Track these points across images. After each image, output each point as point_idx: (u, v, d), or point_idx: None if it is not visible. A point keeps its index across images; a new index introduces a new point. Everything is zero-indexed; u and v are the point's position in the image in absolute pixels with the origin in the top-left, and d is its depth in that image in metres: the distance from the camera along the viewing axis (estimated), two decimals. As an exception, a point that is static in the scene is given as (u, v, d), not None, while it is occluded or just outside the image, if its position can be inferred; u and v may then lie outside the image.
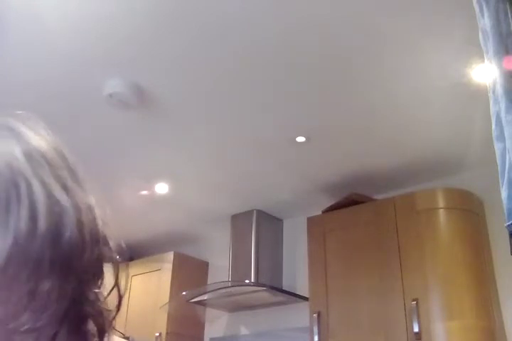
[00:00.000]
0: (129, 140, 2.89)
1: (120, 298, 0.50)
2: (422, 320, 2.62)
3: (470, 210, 2.91)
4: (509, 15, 1.13)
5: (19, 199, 0.44)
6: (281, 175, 3.23)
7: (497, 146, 1.12)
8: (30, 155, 0.48)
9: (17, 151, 0.48)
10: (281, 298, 3.39)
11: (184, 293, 3.49)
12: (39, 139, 0.51)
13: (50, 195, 0.46)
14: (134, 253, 3.94)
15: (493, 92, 1.14)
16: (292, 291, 3.40)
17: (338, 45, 2.20)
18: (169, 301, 3.64)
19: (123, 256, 0.53)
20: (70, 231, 0.45)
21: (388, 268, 2.84)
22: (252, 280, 3.39)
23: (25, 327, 0.39)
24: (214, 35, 2.15)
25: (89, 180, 0.53)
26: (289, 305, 3.44)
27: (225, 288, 3.33)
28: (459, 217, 2.87)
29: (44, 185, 0.46)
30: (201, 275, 3.98)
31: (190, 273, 3.93)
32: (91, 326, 0.46)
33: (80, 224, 0.46)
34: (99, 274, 0.49)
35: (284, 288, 3.50)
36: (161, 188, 3.39)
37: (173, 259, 3.86)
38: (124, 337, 3.38)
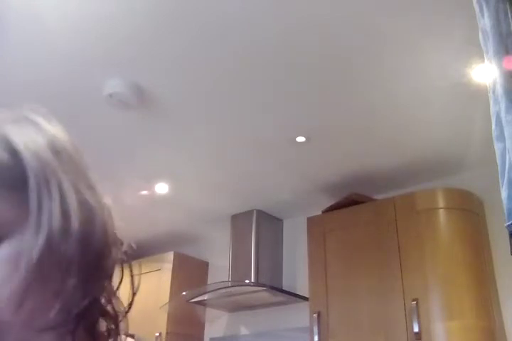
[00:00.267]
0: (129, 140, 2.89)
1: (133, 295, 0.50)
2: (422, 320, 2.62)
3: (470, 210, 2.91)
4: (509, 15, 1.13)
5: (50, 195, 0.41)
6: (281, 175, 3.22)
7: (497, 146, 1.12)
8: (55, 146, 0.44)
9: (41, 141, 0.44)
10: (281, 298, 3.39)
11: (184, 293, 3.49)
12: (59, 132, 0.47)
13: (79, 193, 0.43)
14: (134, 253, 3.93)
15: (493, 92, 1.14)
16: (292, 291, 3.40)
17: (338, 45, 2.20)
18: (169, 301, 3.64)
19: (133, 256, 0.53)
20: (99, 230, 0.44)
21: (388, 268, 2.84)
22: (252, 280, 3.39)
23: (50, 324, 0.39)
24: (214, 35, 2.15)
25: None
26: (289, 305, 3.44)
27: (225, 288, 3.33)
28: (459, 217, 2.87)
29: (72, 181, 0.43)
30: (201, 276, 3.98)
31: (190, 273, 3.92)
32: (104, 325, 0.46)
33: (105, 223, 0.45)
34: (114, 273, 0.49)
35: (284, 288, 3.50)
36: (161, 188, 3.39)
37: (173, 259, 3.86)
38: (129, 335, 3.38)
